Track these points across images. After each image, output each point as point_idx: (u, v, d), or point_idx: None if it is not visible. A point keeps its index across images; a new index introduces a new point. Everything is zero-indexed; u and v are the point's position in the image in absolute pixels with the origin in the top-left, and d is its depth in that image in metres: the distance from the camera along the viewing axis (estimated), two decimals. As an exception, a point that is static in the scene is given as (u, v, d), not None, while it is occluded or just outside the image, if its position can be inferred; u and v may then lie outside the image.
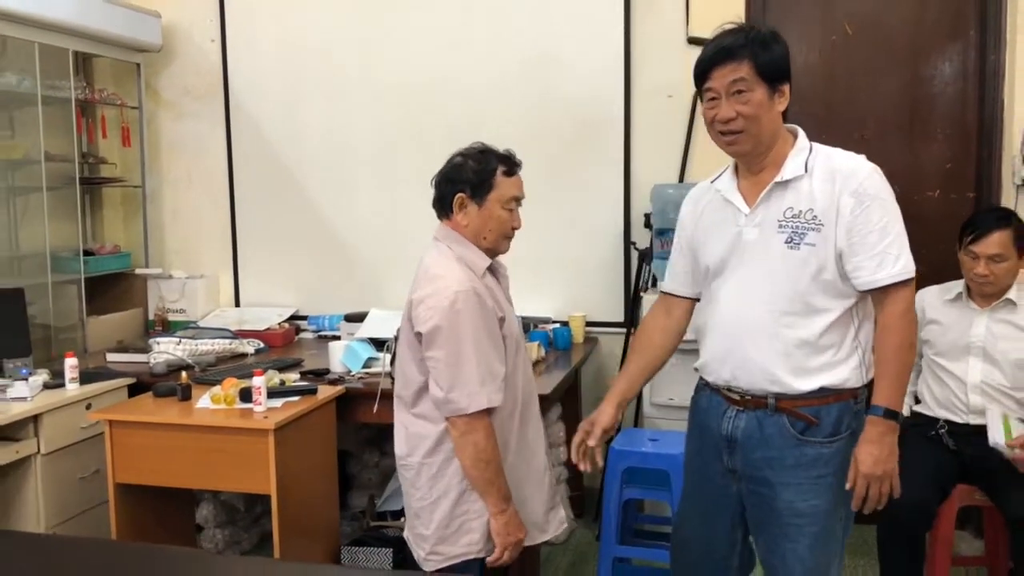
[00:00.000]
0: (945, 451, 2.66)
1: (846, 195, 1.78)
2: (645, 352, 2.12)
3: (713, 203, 1.98)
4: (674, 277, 2.11)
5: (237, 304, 4.19)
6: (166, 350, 3.19)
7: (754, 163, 1.88)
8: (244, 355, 3.49)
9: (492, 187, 2.07)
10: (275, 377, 2.79)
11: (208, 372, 3.10)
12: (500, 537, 2.04)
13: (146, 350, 3.36)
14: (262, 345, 3.63)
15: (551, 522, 2.25)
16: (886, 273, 1.78)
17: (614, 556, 2.87)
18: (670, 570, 2.17)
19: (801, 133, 1.90)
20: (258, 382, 2.58)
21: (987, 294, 2.66)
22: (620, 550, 2.90)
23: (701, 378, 2.05)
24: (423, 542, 2.09)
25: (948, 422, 2.68)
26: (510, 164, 2.11)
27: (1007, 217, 2.67)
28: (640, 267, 3.59)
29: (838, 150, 1.87)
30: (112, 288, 4.04)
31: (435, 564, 2.06)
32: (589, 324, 3.64)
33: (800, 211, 1.81)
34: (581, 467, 2.03)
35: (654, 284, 3.53)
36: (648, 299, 3.34)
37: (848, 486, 1.81)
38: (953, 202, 3.42)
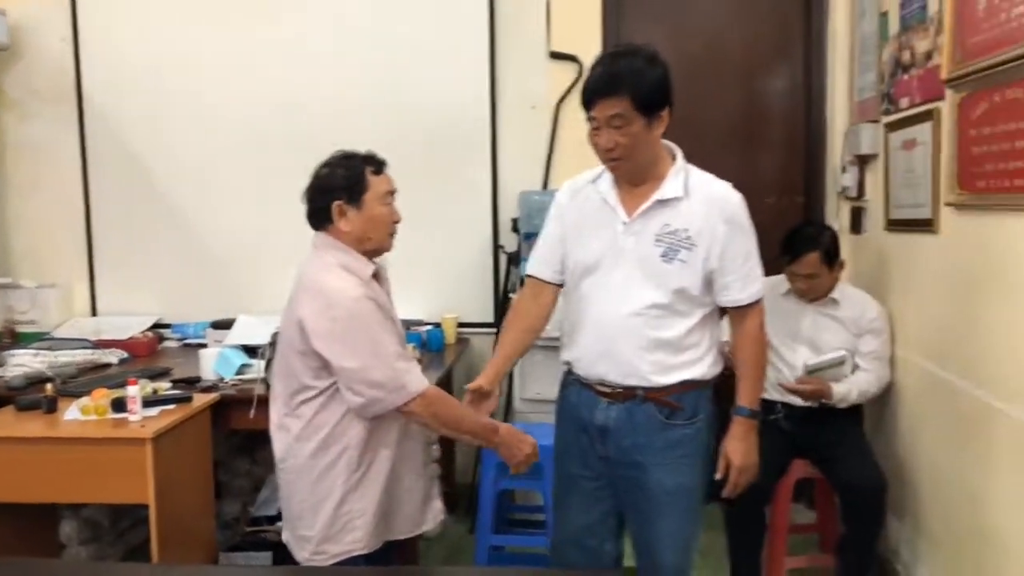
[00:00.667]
0: (782, 432, 2.95)
1: (721, 222, 1.99)
2: (516, 331, 2.24)
3: (592, 202, 2.10)
4: (542, 262, 2.21)
5: (94, 313, 4.04)
6: (23, 362, 3.06)
7: (635, 179, 2.03)
8: (107, 365, 3.38)
9: (366, 187, 2.10)
10: (147, 386, 2.75)
11: (70, 384, 3.00)
12: (512, 459, 2.19)
13: (-1, 363, 3.21)
14: (125, 355, 3.53)
15: (428, 513, 2.29)
16: (748, 294, 2.05)
17: (490, 544, 3.01)
18: (548, 556, 2.31)
19: (678, 153, 2.07)
20: (133, 391, 2.54)
21: (810, 299, 2.98)
22: (495, 539, 3.05)
23: (569, 373, 2.18)
24: (306, 543, 2.11)
25: (785, 405, 2.98)
26: (375, 163, 2.16)
27: (816, 238, 2.90)
28: (508, 269, 3.76)
29: (708, 176, 2.07)
30: (-48, 299, 3.80)
31: (320, 563, 2.10)
32: (461, 325, 3.77)
33: (676, 229, 1.99)
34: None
35: (522, 286, 3.69)
36: (516, 300, 3.49)
37: (719, 476, 2.08)
38: (785, 207, 3.79)
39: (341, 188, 2.09)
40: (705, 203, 2.00)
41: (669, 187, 2.00)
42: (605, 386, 2.07)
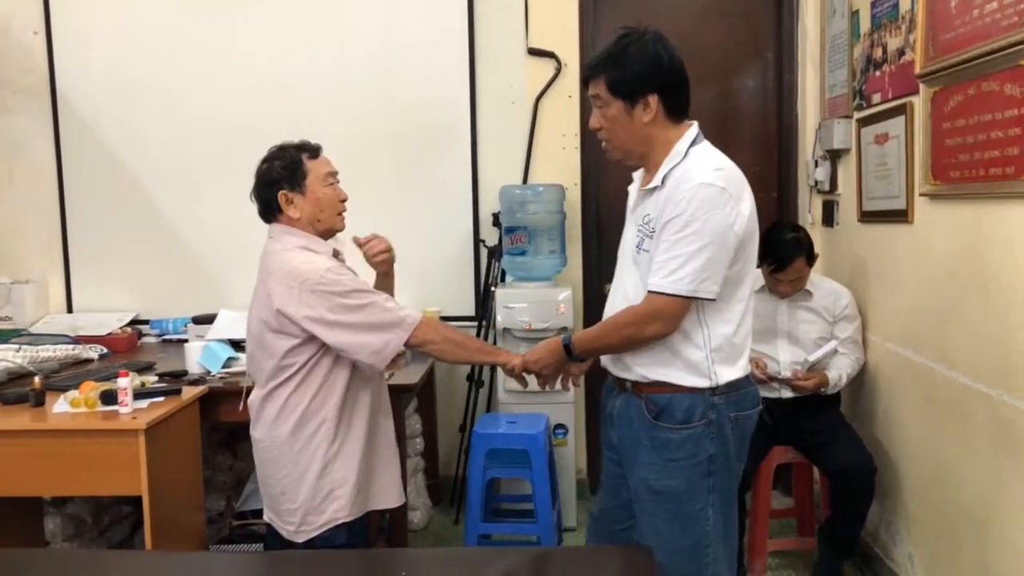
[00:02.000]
0: (762, 424, 3.02)
1: (668, 203, 1.86)
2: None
3: (631, 192, 2.11)
4: None
5: (70, 309, 3.99)
6: (4, 357, 3.02)
7: (642, 166, 2.02)
8: (88, 360, 3.35)
9: (306, 173, 2.18)
10: (136, 379, 2.73)
11: (54, 378, 2.97)
12: (536, 368, 2.15)
13: (-25, 360, 3.16)
14: (105, 350, 3.51)
15: (403, 488, 2.39)
16: (653, 280, 1.86)
17: (479, 533, 3.05)
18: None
19: (682, 139, 1.93)
20: (123, 383, 2.53)
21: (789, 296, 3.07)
22: (484, 527, 3.09)
23: None
24: (291, 516, 2.17)
25: (765, 398, 3.05)
26: (310, 148, 2.23)
27: (799, 242, 2.95)
28: (490, 263, 3.80)
29: (703, 159, 1.90)
30: (-78, 296, 3.72)
31: (306, 535, 2.16)
32: (443, 318, 3.78)
33: (650, 219, 1.91)
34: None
35: (503, 279, 3.75)
36: (500, 293, 3.55)
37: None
38: (760, 202, 3.84)
39: (282, 179, 2.18)
40: (668, 190, 1.88)
41: (656, 177, 1.93)
42: (610, 374, 2.09)
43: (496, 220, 3.79)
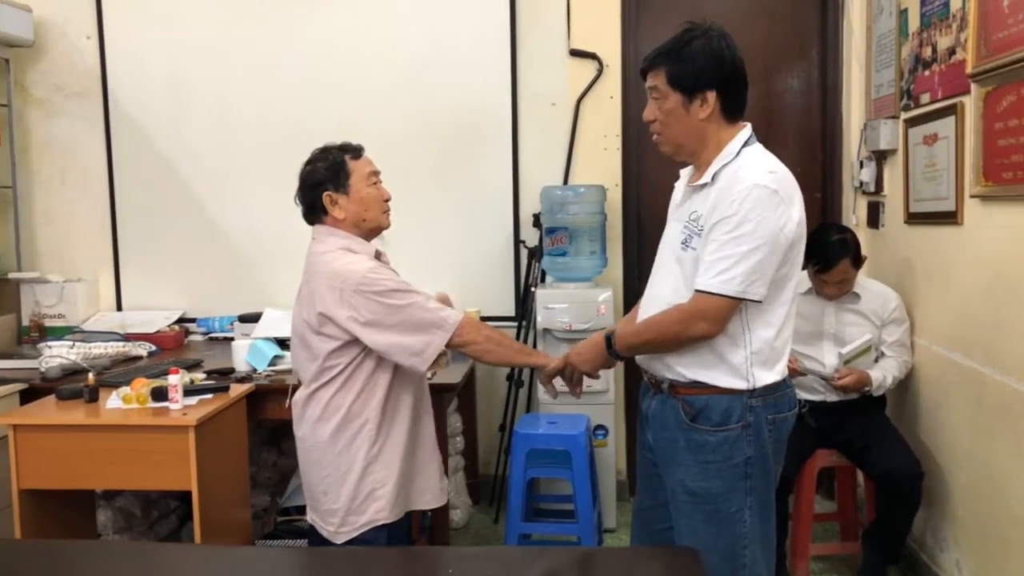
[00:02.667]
0: (805, 427, 2.99)
1: (720, 203, 1.84)
2: (632, 316, 2.21)
3: (676, 189, 2.11)
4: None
5: (119, 308, 4.08)
6: (59, 354, 3.10)
7: (692, 163, 2.02)
8: (138, 358, 3.43)
9: (349, 173, 2.21)
10: (185, 376, 2.79)
11: (105, 375, 3.05)
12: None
13: (31, 355, 3.25)
14: (153, 348, 3.59)
15: (444, 487, 2.41)
16: (700, 280, 1.84)
17: (519, 532, 3.07)
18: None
19: (735, 139, 1.92)
20: (174, 380, 2.58)
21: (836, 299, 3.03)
22: (524, 527, 3.10)
23: None
24: (332, 516, 2.20)
25: (808, 402, 3.02)
26: (352, 149, 2.26)
27: (846, 243, 2.92)
28: (530, 264, 3.81)
29: (756, 160, 1.89)
30: (-21, 294, 3.84)
31: (346, 535, 2.18)
32: (483, 319, 3.80)
33: (698, 216, 1.90)
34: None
35: (543, 280, 3.76)
36: (540, 293, 3.56)
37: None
38: (804, 203, 3.84)
39: (326, 180, 2.21)
40: (719, 188, 1.86)
41: (707, 174, 1.91)
42: (646, 374, 2.08)
43: (537, 221, 3.80)
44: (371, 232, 2.26)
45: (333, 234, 2.21)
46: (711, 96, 1.90)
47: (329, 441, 2.18)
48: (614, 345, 2.03)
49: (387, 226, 2.29)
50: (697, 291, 1.86)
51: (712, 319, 1.85)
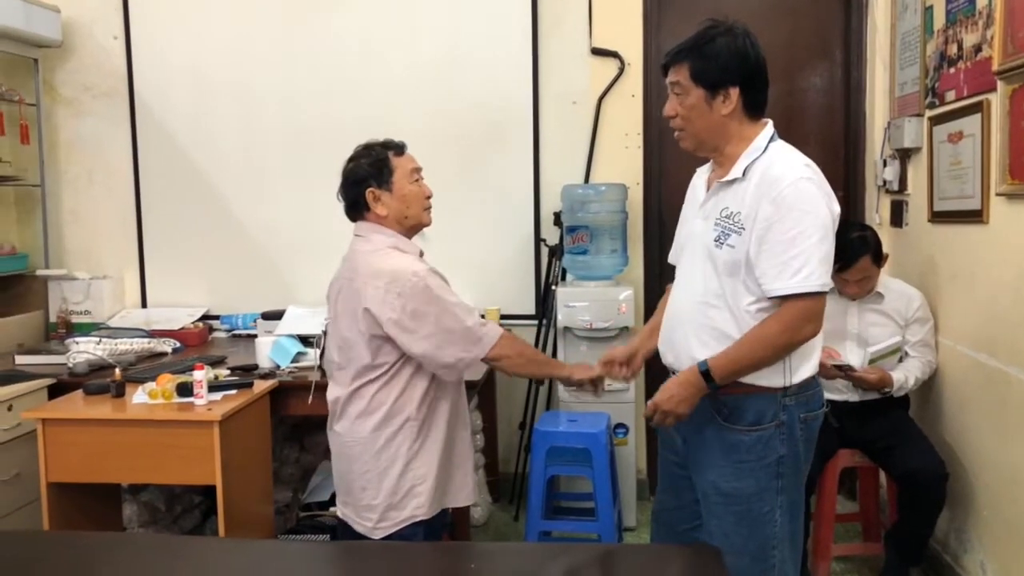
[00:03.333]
0: (828, 427, 2.97)
1: (766, 202, 1.83)
2: (656, 316, 2.23)
3: (695, 186, 2.10)
4: (674, 248, 2.18)
5: (144, 305, 4.13)
6: (86, 350, 3.15)
7: (714, 159, 2.00)
8: (163, 354, 3.47)
9: (392, 169, 2.21)
10: (210, 372, 2.82)
11: (131, 371, 3.09)
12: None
13: (58, 351, 3.30)
14: (178, 344, 3.62)
15: (475, 487, 2.42)
16: (782, 284, 1.82)
17: (539, 530, 3.08)
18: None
19: (761, 135, 1.93)
20: (199, 376, 2.62)
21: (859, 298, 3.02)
22: (544, 524, 3.11)
23: None
24: (370, 512, 2.20)
25: (831, 401, 3.00)
26: (395, 146, 2.27)
27: (865, 240, 2.91)
28: (550, 262, 3.82)
29: (787, 155, 1.90)
30: (8, 290, 3.89)
31: (384, 531, 2.19)
32: (503, 317, 3.82)
33: (732, 213, 1.89)
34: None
35: (563, 278, 3.77)
36: (560, 292, 3.56)
37: (646, 413, 1.97)
38: (827, 200, 3.83)
39: (370, 176, 2.21)
40: (758, 184, 1.86)
41: (735, 169, 1.91)
42: (674, 374, 2.04)
43: (557, 219, 3.81)
44: (412, 229, 2.26)
45: (379, 232, 2.21)
46: (734, 92, 1.90)
47: (370, 437, 2.18)
48: (713, 375, 1.89)
49: (428, 223, 2.29)
50: (786, 296, 1.83)
51: (816, 318, 1.87)
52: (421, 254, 2.28)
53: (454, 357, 2.13)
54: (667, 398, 1.92)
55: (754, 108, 1.94)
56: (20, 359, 3.32)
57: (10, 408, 2.85)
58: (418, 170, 2.27)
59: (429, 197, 2.28)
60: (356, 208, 2.24)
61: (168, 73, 4.04)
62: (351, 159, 2.26)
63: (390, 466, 2.18)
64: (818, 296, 1.85)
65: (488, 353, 2.16)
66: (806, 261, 1.80)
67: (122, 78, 4.06)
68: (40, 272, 3.95)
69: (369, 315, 2.12)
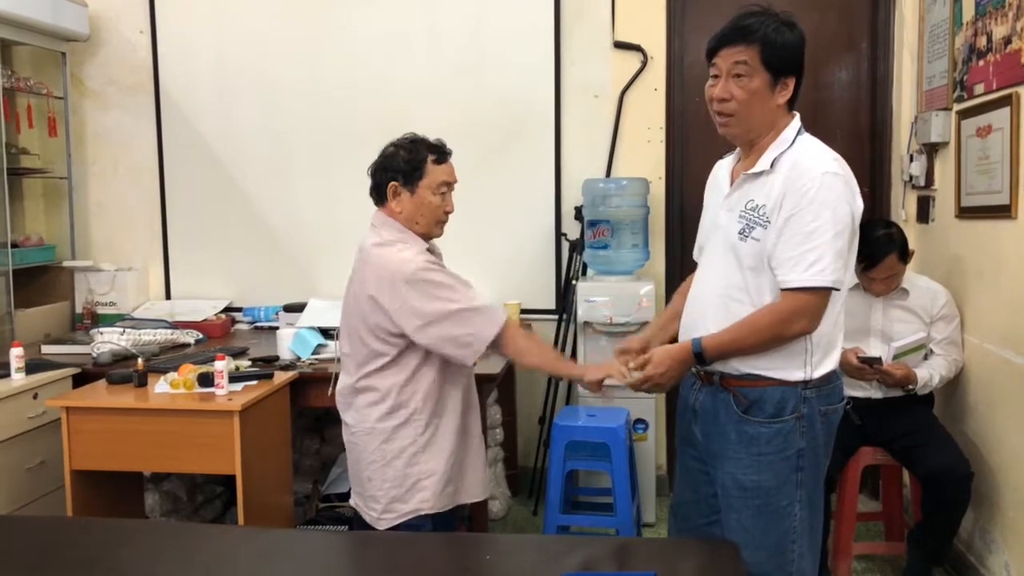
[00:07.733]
0: (849, 424, 2.94)
1: (790, 194, 1.81)
2: (670, 308, 2.21)
3: (718, 178, 2.08)
4: (697, 242, 2.16)
5: (168, 296, 4.17)
6: (110, 340, 3.19)
7: (746, 148, 1.96)
8: (186, 345, 3.51)
9: (423, 175, 2.19)
10: (231, 363, 2.85)
11: (154, 361, 3.12)
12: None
13: (83, 341, 3.35)
14: (201, 336, 3.66)
15: (487, 482, 2.41)
16: (796, 276, 1.80)
17: (558, 524, 3.07)
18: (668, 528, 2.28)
19: (789, 127, 1.90)
20: (220, 366, 2.64)
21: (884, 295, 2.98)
22: (563, 519, 3.10)
23: None
24: (375, 503, 2.21)
25: (853, 398, 2.96)
26: (439, 152, 2.23)
27: (892, 238, 2.86)
28: (571, 257, 3.80)
29: (815, 148, 1.88)
30: (36, 281, 3.95)
31: (388, 522, 2.20)
32: (524, 311, 3.82)
33: (757, 205, 1.86)
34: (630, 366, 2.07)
35: (584, 273, 3.76)
36: (581, 286, 3.55)
37: (633, 365, 1.95)
38: (852, 196, 3.78)
39: (399, 170, 2.20)
40: (785, 177, 1.83)
41: (762, 161, 1.88)
42: (695, 367, 2.01)
43: (578, 214, 3.79)
44: (420, 236, 2.24)
45: (389, 224, 2.22)
46: (791, 83, 1.88)
47: (374, 428, 2.19)
48: (705, 356, 1.90)
49: (437, 236, 2.29)
50: (790, 289, 1.81)
51: (811, 315, 1.83)
52: (429, 249, 2.26)
53: (470, 336, 2.11)
54: (662, 372, 1.93)
55: (794, 101, 1.93)
56: (47, 348, 3.37)
57: (35, 396, 2.89)
58: (449, 184, 2.24)
59: (449, 212, 2.26)
60: (378, 192, 2.25)
61: (193, 67, 4.08)
62: (394, 144, 2.24)
63: (395, 457, 2.19)
64: (822, 292, 1.82)
65: (501, 333, 2.12)
66: (819, 256, 1.79)
67: (148, 72, 4.10)
68: (67, 263, 4.00)
69: (376, 305, 2.14)
